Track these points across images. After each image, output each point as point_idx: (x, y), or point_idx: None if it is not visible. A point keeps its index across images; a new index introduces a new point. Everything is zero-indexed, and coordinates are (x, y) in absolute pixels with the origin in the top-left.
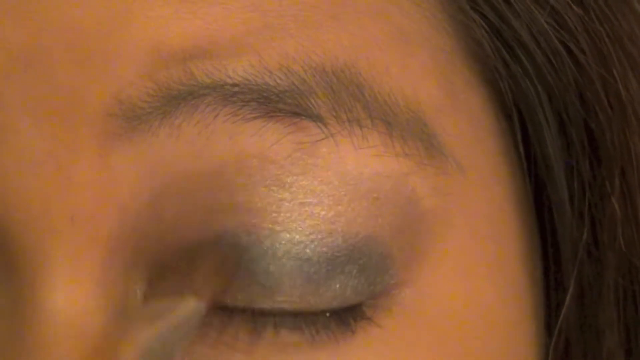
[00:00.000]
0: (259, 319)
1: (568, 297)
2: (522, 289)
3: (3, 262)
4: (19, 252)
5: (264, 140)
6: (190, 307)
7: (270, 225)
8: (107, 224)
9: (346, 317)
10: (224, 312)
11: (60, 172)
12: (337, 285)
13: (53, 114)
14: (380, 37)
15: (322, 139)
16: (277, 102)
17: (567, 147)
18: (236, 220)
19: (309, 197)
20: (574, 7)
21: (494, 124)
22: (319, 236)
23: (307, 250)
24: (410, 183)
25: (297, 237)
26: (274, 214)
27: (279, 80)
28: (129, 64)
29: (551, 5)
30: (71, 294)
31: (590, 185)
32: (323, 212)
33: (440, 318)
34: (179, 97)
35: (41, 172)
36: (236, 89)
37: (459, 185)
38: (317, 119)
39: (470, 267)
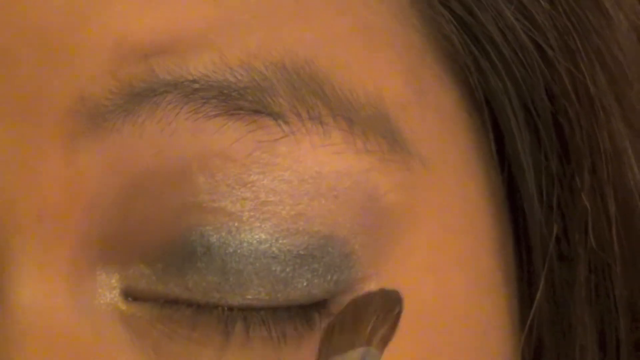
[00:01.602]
0: (229, 315)
1: (538, 294)
2: (496, 283)
3: None
4: None
5: (226, 138)
6: None
7: (236, 224)
8: (75, 221)
9: (311, 313)
10: (194, 310)
11: (26, 169)
12: (304, 283)
13: (17, 112)
14: (343, 33)
15: (282, 137)
16: (238, 99)
17: (536, 142)
18: (202, 219)
19: (270, 196)
20: (542, 2)
21: (465, 119)
22: (283, 235)
23: (274, 249)
24: (372, 179)
25: (262, 235)
26: (238, 213)
27: (239, 77)
28: (91, 60)
29: (519, 0)
30: (38, 290)
31: (560, 181)
32: (284, 212)
33: (410, 312)
34: (141, 94)
35: (6, 170)
36: (197, 85)
37: (425, 180)
38: (277, 116)
39: (440, 260)
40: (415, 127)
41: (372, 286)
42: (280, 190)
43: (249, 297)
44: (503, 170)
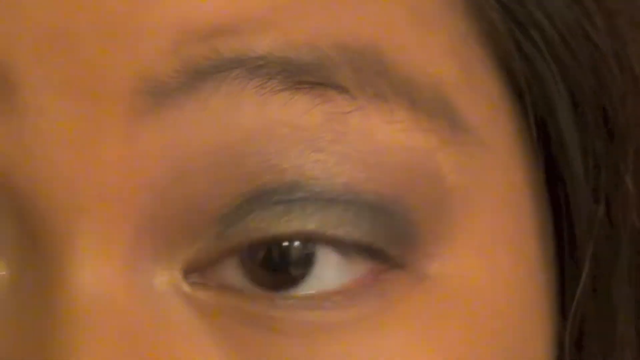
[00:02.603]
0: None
1: (584, 275)
2: (538, 266)
3: (31, 241)
4: (47, 229)
5: (294, 110)
6: None
7: (304, 179)
8: (135, 201)
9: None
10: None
11: (88, 149)
12: (368, 222)
13: (80, 92)
14: (400, 17)
15: (352, 111)
16: (303, 74)
17: (580, 125)
18: (272, 179)
19: (343, 161)
20: None
21: (507, 103)
22: (352, 191)
23: (342, 199)
24: (436, 159)
25: (332, 189)
26: (310, 171)
27: (303, 55)
28: (155, 40)
29: None
30: (99, 271)
31: (604, 164)
32: (355, 174)
33: (466, 294)
34: (205, 72)
35: (68, 151)
36: (261, 62)
37: (480, 161)
38: (343, 90)
39: (492, 243)
40: (469, 108)
41: (435, 266)
42: (352, 158)
43: (311, 227)
44: (545, 155)
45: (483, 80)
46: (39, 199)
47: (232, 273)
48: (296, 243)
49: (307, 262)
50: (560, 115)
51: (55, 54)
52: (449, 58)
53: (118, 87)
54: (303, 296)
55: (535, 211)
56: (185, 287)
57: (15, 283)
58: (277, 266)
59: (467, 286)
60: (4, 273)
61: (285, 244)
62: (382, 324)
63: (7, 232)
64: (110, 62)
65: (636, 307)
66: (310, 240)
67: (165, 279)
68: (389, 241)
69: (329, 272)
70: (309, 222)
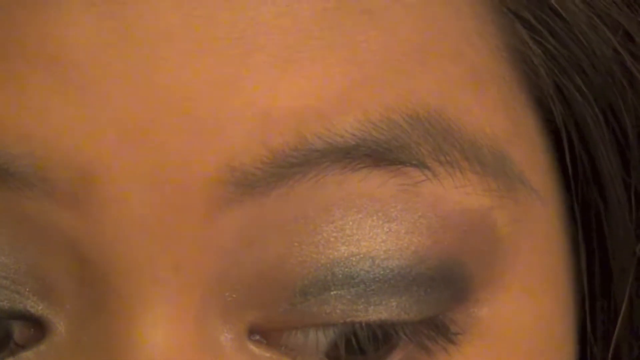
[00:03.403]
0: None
1: (623, 308)
2: (571, 303)
3: (98, 302)
4: (118, 295)
5: (370, 184)
6: None
7: (379, 254)
8: (209, 268)
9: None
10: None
11: (167, 231)
12: (434, 302)
13: (162, 182)
14: (459, 79)
15: (424, 181)
16: (383, 153)
17: (624, 164)
18: (346, 250)
19: (412, 229)
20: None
21: (545, 143)
22: (420, 260)
23: (413, 273)
24: (493, 215)
25: (403, 262)
26: (382, 244)
27: (382, 132)
28: (240, 129)
29: (622, 28)
30: (169, 329)
31: None
32: (422, 241)
33: (513, 336)
34: (294, 164)
35: (147, 234)
36: (347, 150)
37: (529, 208)
38: (419, 164)
39: (534, 284)
40: (519, 158)
41: (485, 310)
42: (419, 225)
43: (385, 316)
44: (577, 189)
45: (526, 125)
46: (113, 268)
47: (301, 339)
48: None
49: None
50: (600, 154)
51: (139, 146)
52: (500, 111)
53: (203, 176)
54: None
55: (570, 247)
56: (250, 345)
57: (76, 342)
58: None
59: (515, 327)
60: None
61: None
62: None
63: (69, 295)
64: (196, 151)
65: None
66: (387, 325)
67: (232, 337)
68: (450, 306)
69: None
70: (387, 308)
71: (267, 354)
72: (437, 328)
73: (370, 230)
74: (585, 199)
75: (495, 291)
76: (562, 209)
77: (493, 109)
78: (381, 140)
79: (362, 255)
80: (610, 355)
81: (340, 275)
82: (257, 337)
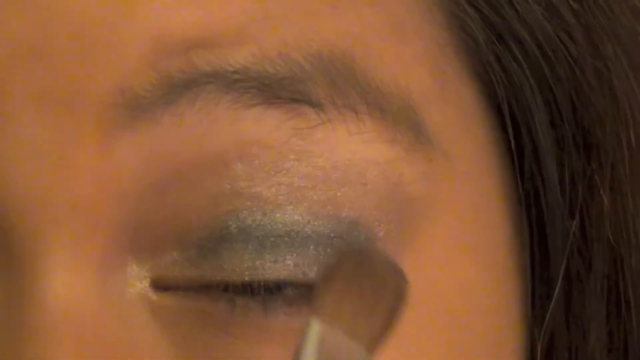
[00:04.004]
0: (268, 297)
1: (557, 289)
2: (510, 276)
3: (2, 250)
4: (18, 240)
5: (264, 126)
6: None
7: (271, 207)
8: (108, 212)
9: None
10: (229, 295)
11: (62, 160)
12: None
13: (56, 103)
14: (376, 26)
15: (319, 125)
16: (277, 89)
17: (557, 139)
18: (239, 204)
19: (304, 181)
20: (570, 1)
21: (483, 116)
22: (314, 217)
23: (307, 230)
24: (397, 169)
25: (295, 217)
26: (273, 198)
27: (278, 68)
28: (131, 53)
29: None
30: (69, 281)
31: (580, 178)
32: (316, 196)
33: (427, 302)
34: (181, 85)
35: (42, 161)
36: (237, 76)
37: (446, 172)
38: (315, 104)
39: (456, 252)
40: (437, 120)
41: None
42: (313, 176)
43: (284, 275)
44: (521, 168)
45: (458, 92)
46: (11, 207)
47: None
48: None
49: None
50: (536, 129)
51: (33, 64)
52: (423, 68)
53: (95, 98)
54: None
55: (508, 222)
56: (153, 296)
57: None
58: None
59: (427, 293)
60: None
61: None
62: None
63: None
64: (88, 72)
65: (607, 322)
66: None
67: (135, 289)
68: None
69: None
70: (285, 266)
71: (169, 303)
72: None
73: (261, 183)
74: (528, 176)
75: (405, 254)
76: (505, 185)
77: (414, 64)
78: (276, 75)
79: (254, 209)
80: (540, 341)
81: (234, 230)
82: (161, 288)
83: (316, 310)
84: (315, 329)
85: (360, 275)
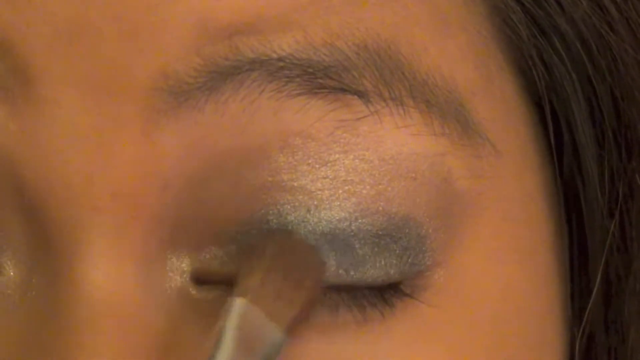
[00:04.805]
0: None
1: (595, 289)
2: (552, 277)
3: (42, 239)
4: (59, 227)
5: (307, 117)
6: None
7: (315, 203)
8: (149, 201)
9: (387, 293)
10: None
11: (103, 147)
12: (382, 262)
13: (98, 87)
14: (421, 17)
15: (365, 117)
16: (322, 78)
17: (598, 137)
18: (280, 197)
19: (351, 175)
20: None
21: (525, 111)
22: (362, 214)
23: (353, 227)
24: (446, 163)
25: (341, 214)
26: (318, 192)
27: (323, 56)
28: (175, 38)
29: None
30: (110, 270)
31: (620, 177)
32: (364, 191)
33: (473, 300)
34: (225, 72)
35: (84, 147)
36: (281, 64)
37: (493, 167)
38: (361, 95)
39: (502, 251)
40: (483, 114)
41: (441, 273)
42: (360, 170)
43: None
44: (561, 164)
45: (501, 86)
46: (51, 194)
47: None
48: None
49: None
50: (577, 125)
51: (74, 47)
52: (467, 61)
53: (137, 83)
54: None
55: (550, 221)
56: (193, 291)
57: (25, 284)
58: None
59: (472, 292)
60: (13, 274)
61: None
62: (387, 328)
63: (15, 231)
64: (130, 57)
65: None
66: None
67: (175, 283)
68: (402, 268)
69: None
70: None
71: (210, 297)
72: (380, 290)
73: (304, 176)
74: (568, 174)
75: (453, 252)
76: (546, 183)
77: (459, 57)
78: (320, 64)
79: (297, 204)
80: (578, 342)
81: (275, 225)
82: (201, 282)
83: (239, 290)
84: (237, 309)
85: (285, 258)
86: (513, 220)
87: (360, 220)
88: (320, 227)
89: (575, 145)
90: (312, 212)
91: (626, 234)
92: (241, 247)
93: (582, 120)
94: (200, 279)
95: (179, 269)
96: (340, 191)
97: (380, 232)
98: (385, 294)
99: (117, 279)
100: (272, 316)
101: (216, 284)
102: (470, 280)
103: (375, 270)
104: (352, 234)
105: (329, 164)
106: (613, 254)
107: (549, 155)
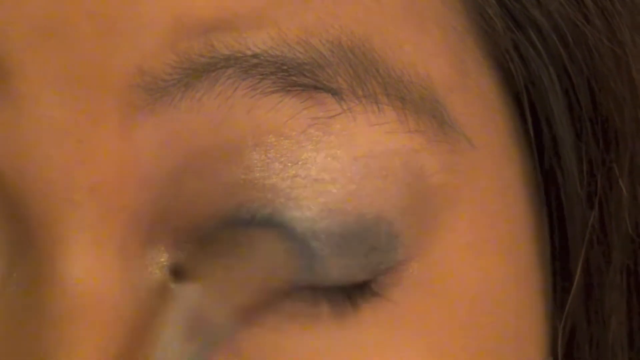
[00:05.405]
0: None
1: (575, 281)
2: (532, 268)
3: (22, 234)
4: (38, 223)
5: (281, 114)
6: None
7: (282, 201)
8: (127, 197)
9: (353, 294)
10: None
11: (81, 143)
12: (346, 262)
13: (75, 84)
14: (395, 13)
15: (338, 114)
16: (296, 75)
17: (576, 129)
18: (252, 196)
19: (322, 174)
20: None
21: (503, 105)
22: (330, 214)
23: (316, 228)
24: (420, 159)
25: (307, 214)
26: (287, 190)
27: (297, 53)
28: (151, 34)
29: None
30: (90, 264)
31: (599, 169)
32: (335, 190)
33: (450, 292)
34: (200, 69)
35: (62, 143)
36: (255, 60)
37: (469, 162)
38: (335, 92)
39: (481, 243)
40: (459, 109)
41: (415, 267)
42: (332, 169)
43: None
44: (541, 157)
45: (478, 80)
46: (30, 190)
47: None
48: None
49: None
50: (556, 118)
51: (51, 43)
52: (443, 56)
53: (114, 80)
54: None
55: (530, 213)
56: (172, 285)
57: (5, 278)
58: None
59: (449, 284)
60: None
61: None
62: (359, 325)
63: None
64: (107, 53)
65: (628, 313)
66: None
67: (155, 277)
68: (370, 267)
69: None
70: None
71: (194, 295)
72: (346, 290)
73: (276, 175)
74: (547, 166)
75: (428, 246)
76: (526, 176)
77: (434, 52)
78: (294, 61)
79: (265, 202)
80: (560, 333)
81: (246, 222)
82: (180, 276)
83: (192, 274)
84: (189, 293)
85: (245, 250)
86: (492, 213)
87: (326, 221)
88: (285, 226)
89: (554, 137)
90: (279, 211)
91: (606, 225)
92: (218, 243)
93: (560, 112)
94: (179, 273)
95: (158, 263)
96: (310, 190)
97: (346, 233)
98: (352, 293)
99: (96, 273)
100: (225, 302)
101: (195, 278)
102: (447, 272)
103: (338, 271)
104: (316, 234)
105: (300, 162)
106: (593, 245)
107: (528, 147)
